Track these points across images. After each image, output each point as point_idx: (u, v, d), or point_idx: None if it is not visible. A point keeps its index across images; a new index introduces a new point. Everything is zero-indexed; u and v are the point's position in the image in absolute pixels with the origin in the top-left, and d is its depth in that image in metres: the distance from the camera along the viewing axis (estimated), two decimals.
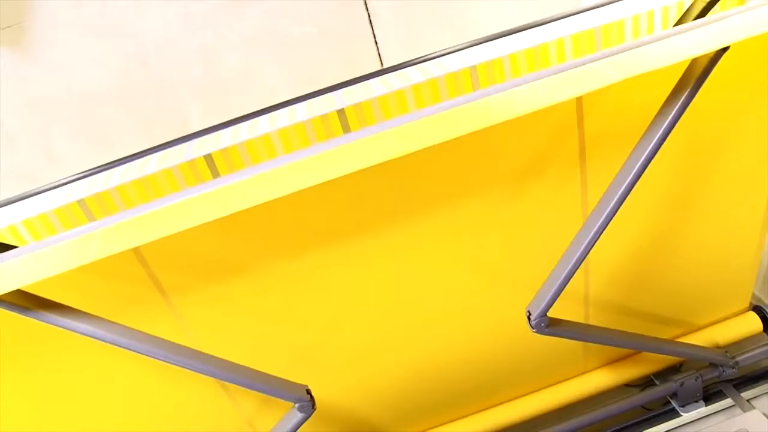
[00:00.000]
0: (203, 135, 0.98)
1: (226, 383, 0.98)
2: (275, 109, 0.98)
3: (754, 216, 1.10)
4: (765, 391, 1.23)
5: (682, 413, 1.21)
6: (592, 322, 1.15)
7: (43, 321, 0.70)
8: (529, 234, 0.98)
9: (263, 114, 1.00)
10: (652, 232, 1.05)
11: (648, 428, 1.21)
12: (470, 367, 1.13)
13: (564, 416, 1.21)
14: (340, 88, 0.97)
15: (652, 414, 1.24)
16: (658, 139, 0.76)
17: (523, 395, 1.23)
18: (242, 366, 0.84)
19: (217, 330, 0.94)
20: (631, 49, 0.65)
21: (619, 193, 0.79)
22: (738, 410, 1.19)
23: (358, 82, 0.97)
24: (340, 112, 0.98)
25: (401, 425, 1.20)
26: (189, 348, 0.79)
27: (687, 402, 1.21)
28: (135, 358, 0.77)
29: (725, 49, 0.69)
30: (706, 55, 0.70)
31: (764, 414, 1.16)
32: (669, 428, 1.21)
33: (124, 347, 0.73)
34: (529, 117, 0.64)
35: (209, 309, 0.92)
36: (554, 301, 0.86)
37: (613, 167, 0.81)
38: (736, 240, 1.13)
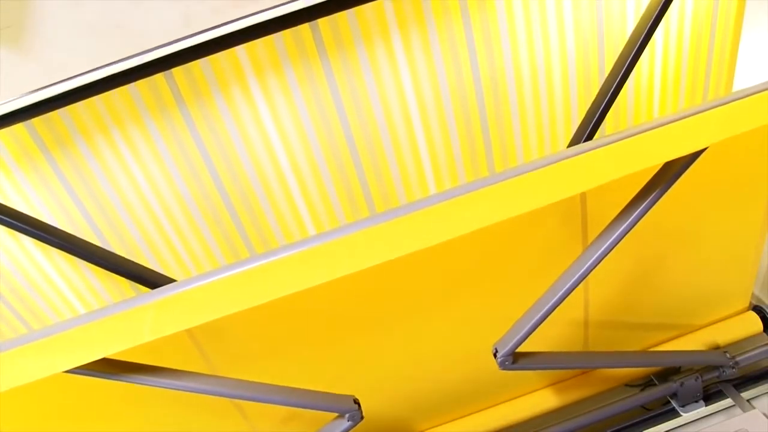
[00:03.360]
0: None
1: (244, 410, 1.02)
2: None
3: (754, 216, 1.10)
4: (765, 391, 1.23)
5: (682, 413, 1.21)
6: (591, 341, 1.16)
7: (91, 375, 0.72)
8: (526, 277, 1.00)
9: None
10: (652, 237, 1.05)
11: (648, 428, 1.21)
12: (474, 367, 1.14)
13: (564, 416, 1.21)
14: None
15: (652, 414, 1.23)
16: (640, 211, 0.78)
17: (523, 395, 1.23)
18: (293, 388, 0.86)
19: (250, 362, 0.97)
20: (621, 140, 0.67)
21: (592, 259, 0.80)
22: (738, 410, 1.19)
23: None
24: (313, 25, 0.96)
25: (410, 424, 1.22)
26: (242, 380, 0.82)
27: (687, 402, 1.21)
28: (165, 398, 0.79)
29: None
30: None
31: (764, 414, 1.16)
32: (669, 428, 1.21)
33: (183, 390, 0.76)
34: None
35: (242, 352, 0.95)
36: (522, 342, 0.86)
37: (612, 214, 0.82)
38: (736, 240, 1.13)
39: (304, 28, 0.98)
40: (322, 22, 0.98)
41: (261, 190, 1.14)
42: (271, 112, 1.06)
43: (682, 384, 1.19)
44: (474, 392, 1.19)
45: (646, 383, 1.26)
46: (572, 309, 1.10)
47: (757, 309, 1.27)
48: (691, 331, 1.25)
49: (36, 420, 0.92)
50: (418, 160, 1.19)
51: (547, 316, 0.84)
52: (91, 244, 1.13)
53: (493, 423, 1.20)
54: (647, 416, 1.23)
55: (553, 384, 1.23)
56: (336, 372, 1.05)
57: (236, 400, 0.99)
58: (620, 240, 0.79)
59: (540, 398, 1.22)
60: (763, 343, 1.25)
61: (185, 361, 0.90)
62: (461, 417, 1.23)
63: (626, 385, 1.25)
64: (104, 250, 1.14)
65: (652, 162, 0.68)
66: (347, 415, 0.89)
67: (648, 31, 1.07)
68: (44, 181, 1.06)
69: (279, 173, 1.13)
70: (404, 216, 0.64)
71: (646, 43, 1.08)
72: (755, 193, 1.06)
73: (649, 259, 1.09)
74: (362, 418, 0.90)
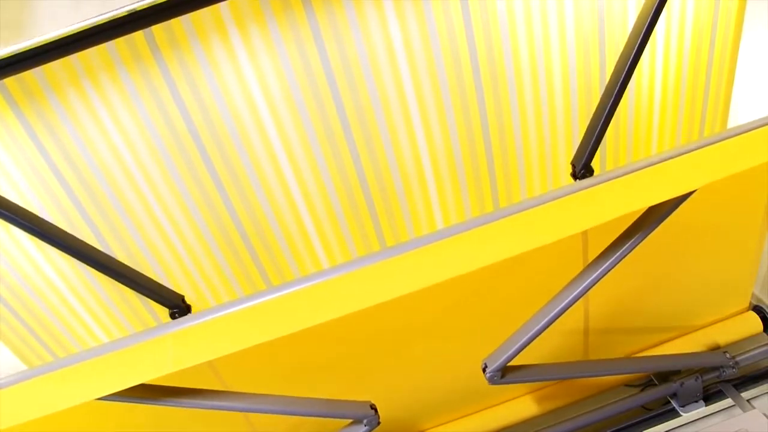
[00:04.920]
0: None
1: (250, 418, 1.03)
2: None
3: (754, 217, 1.10)
4: (765, 391, 1.23)
5: (682, 413, 1.21)
6: (591, 347, 1.17)
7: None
8: (529, 293, 1.00)
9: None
10: (654, 243, 1.05)
11: (648, 428, 1.21)
12: (479, 373, 1.14)
13: (565, 416, 1.21)
14: None
15: (652, 414, 1.24)
16: (641, 234, 0.80)
17: (524, 395, 1.23)
18: (311, 398, 0.87)
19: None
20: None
21: (581, 287, 0.82)
22: (738, 410, 1.19)
23: None
24: None
25: (413, 423, 1.23)
26: (260, 394, 0.83)
27: (687, 402, 1.21)
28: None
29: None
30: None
31: (764, 414, 1.16)
32: (669, 428, 1.21)
33: (202, 408, 0.78)
34: None
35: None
36: (513, 358, 0.87)
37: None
38: (735, 241, 1.13)
39: None
40: None
41: (244, 148, 1.09)
42: (255, 70, 1.02)
43: (682, 384, 1.19)
44: (478, 393, 1.20)
45: (646, 383, 1.26)
46: (573, 319, 1.10)
47: (757, 309, 1.28)
48: (691, 332, 1.25)
49: None
50: (417, 154, 1.18)
51: (541, 332, 0.84)
52: (81, 240, 1.11)
53: (495, 423, 1.21)
54: (647, 416, 1.24)
55: (554, 385, 1.23)
56: (342, 380, 1.06)
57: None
58: (619, 261, 0.79)
59: (541, 398, 1.22)
60: (763, 343, 1.25)
61: (198, 379, 0.90)
62: (464, 416, 1.23)
63: (626, 385, 1.25)
64: (88, 244, 1.12)
65: (657, 199, 0.69)
66: (365, 421, 0.89)
67: (647, 28, 1.07)
68: (17, 144, 1.02)
69: (261, 129, 1.08)
70: (417, 249, 0.68)
71: (646, 41, 1.08)
72: (755, 193, 1.06)
73: (651, 264, 1.09)
74: (379, 423, 0.90)
